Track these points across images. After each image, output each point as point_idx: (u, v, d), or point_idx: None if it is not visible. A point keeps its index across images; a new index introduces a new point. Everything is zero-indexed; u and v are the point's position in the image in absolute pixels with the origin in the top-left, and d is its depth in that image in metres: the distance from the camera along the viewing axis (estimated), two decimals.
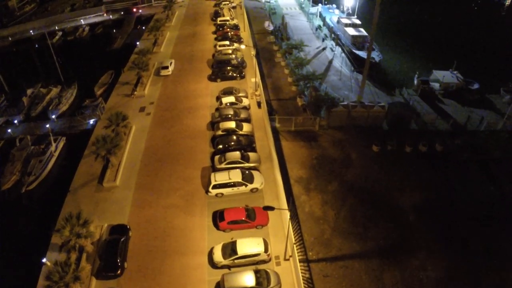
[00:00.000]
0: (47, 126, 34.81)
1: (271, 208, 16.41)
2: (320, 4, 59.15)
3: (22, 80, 45.20)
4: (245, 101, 31.68)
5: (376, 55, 41.92)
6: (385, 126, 31.67)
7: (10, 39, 61.01)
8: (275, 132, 30.37)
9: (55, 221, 22.40)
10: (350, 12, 51.62)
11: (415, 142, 29.34)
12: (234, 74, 35.78)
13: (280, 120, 30.60)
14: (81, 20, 62.58)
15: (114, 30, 62.05)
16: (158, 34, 45.92)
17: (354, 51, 43.11)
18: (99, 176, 26.37)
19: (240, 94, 32.48)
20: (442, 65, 41.03)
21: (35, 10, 78.24)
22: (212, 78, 36.13)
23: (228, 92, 32.55)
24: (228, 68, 36.51)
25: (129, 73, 37.97)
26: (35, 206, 28.86)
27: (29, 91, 41.64)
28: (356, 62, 41.99)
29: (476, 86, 37.94)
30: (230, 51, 40.10)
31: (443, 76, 37.48)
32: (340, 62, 42.28)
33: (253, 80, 33.10)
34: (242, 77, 36.14)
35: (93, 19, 62.76)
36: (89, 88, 42.28)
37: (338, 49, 45.14)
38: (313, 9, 56.32)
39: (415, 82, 38.78)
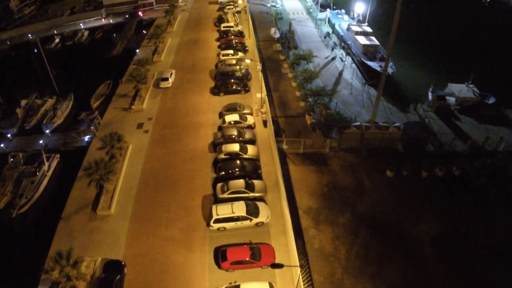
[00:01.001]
0: (41, 142, 33.33)
1: (280, 266, 14.50)
2: (328, 9, 56.50)
3: (17, 89, 43.49)
4: (250, 119, 29.50)
5: (388, 67, 39.73)
6: (400, 148, 29.58)
7: (8, 43, 59.81)
8: (282, 154, 28.23)
9: (48, 249, 20.78)
10: (361, 18, 48.93)
11: (432, 166, 27.36)
12: (238, 88, 33.59)
13: (288, 142, 28.56)
14: (80, 24, 60.83)
15: (115, 35, 60.10)
16: (158, 41, 43.86)
17: (365, 61, 40.55)
18: (93, 202, 24.49)
19: (244, 111, 30.34)
20: (457, 76, 38.71)
21: (35, 13, 76.83)
22: (215, 91, 34.01)
23: (231, 108, 30.46)
24: (232, 81, 34.28)
25: (127, 85, 35.90)
26: (27, 231, 27.24)
27: (23, 102, 39.84)
28: (368, 74, 39.50)
29: (492, 100, 35.57)
30: (234, 61, 37.82)
31: (460, 91, 35.17)
32: (350, 74, 39.93)
33: (258, 95, 31.02)
34: (247, 90, 33.93)
35: (92, 23, 60.97)
36: (86, 99, 40.28)
37: (348, 59, 42.68)
38: (321, 15, 53.66)
39: (429, 96, 36.44)
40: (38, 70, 45.82)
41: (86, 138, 32.55)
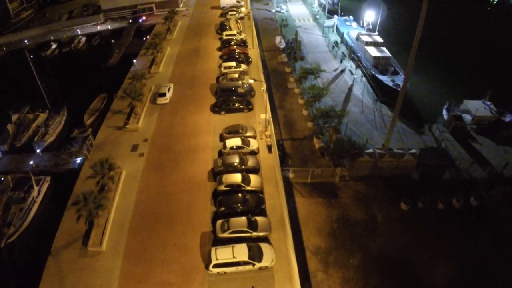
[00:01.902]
0: (31, 162, 31.50)
1: None
2: (336, 16, 53.77)
3: (10, 100, 42.02)
4: (253, 144, 27.24)
5: (401, 81, 36.71)
6: (416, 176, 27.37)
7: (4, 49, 58.18)
8: (289, 184, 26.09)
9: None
10: (371, 27, 46.28)
11: (449, 196, 25.35)
12: (241, 106, 31.31)
13: (295, 171, 26.38)
14: (78, 30, 58.82)
15: (113, 41, 58.09)
16: (156, 51, 41.37)
17: (376, 75, 38.03)
18: (84, 236, 22.66)
19: (247, 134, 28.11)
20: (473, 91, 36.41)
21: (33, 17, 74.96)
22: (216, 110, 31.80)
23: (233, 131, 28.23)
24: (234, 98, 32.09)
25: (122, 101, 33.70)
26: (15, 264, 25.47)
27: (14, 117, 37.86)
28: (379, 90, 37.03)
29: (509, 117, 33.31)
30: (236, 75, 35.61)
31: (477, 109, 32.90)
32: (361, 89, 37.47)
33: (262, 116, 28.87)
34: (250, 109, 31.61)
35: (90, 28, 58.88)
36: (79, 113, 38.10)
37: (358, 72, 40.17)
38: (329, 22, 51.02)
39: (444, 113, 34.27)
40: (32, 79, 44.30)
41: (78, 160, 30.88)
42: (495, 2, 74.55)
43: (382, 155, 26.07)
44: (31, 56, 58.61)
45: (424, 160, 27.21)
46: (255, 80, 26.77)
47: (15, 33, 60.77)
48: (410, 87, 37.38)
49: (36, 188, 28.67)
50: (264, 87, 27.62)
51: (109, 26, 57.86)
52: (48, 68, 53.39)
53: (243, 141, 27.03)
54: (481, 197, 25.74)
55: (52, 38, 58.04)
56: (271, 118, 28.59)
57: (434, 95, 38.43)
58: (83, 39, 57.10)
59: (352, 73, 40.24)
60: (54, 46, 56.52)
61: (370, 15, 45.45)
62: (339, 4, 56.46)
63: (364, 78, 39.77)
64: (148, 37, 50.21)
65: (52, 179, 30.40)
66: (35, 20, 71.08)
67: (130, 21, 59.01)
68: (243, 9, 53.62)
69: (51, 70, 52.02)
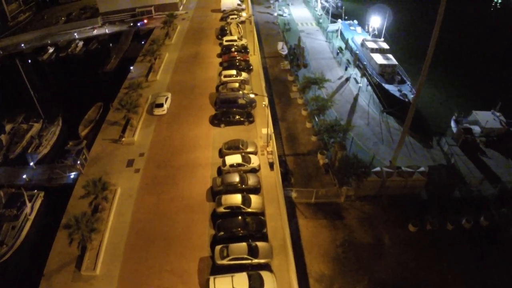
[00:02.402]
0: (24, 176, 30.45)
1: None
2: (340, 20, 52.15)
3: (4, 109, 41.21)
4: (254, 160, 26.04)
5: (408, 91, 35.38)
6: (424, 195, 26.10)
7: (1, 53, 57.21)
8: (291, 204, 24.79)
9: None
10: (376, 33, 44.68)
11: (458, 215, 24.23)
12: (242, 119, 30.14)
13: (298, 191, 25.08)
14: (75, 34, 57.64)
15: (111, 44, 56.96)
16: (154, 58, 39.97)
17: (382, 84, 36.57)
18: (77, 258, 21.66)
19: (248, 150, 26.93)
20: (482, 101, 35.09)
21: (31, 19, 73.69)
22: (215, 122, 30.65)
23: (233, 147, 27.02)
24: (234, 110, 30.90)
25: (118, 112, 32.42)
26: (8, 284, 24.58)
27: (8, 127, 36.76)
28: (386, 100, 35.52)
29: None
30: (237, 85, 34.32)
31: (486, 121, 31.50)
32: (367, 99, 36.02)
33: (264, 131, 27.69)
34: (251, 121, 30.44)
35: (88, 33, 57.27)
36: (74, 122, 36.86)
37: (363, 81, 38.74)
38: (333, 26, 49.52)
39: (453, 124, 32.95)
40: (28, 85, 43.37)
41: (72, 175, 29.86)
42: (499, 3, 72.98)
43: (390, 174, 24.82)
44: (29, 61, 58.55)
45: (434, 179, 26.05)
46: (256, 94, 25.53)
47: (12, 36, 59.80)
48: (419, 98, 36.12)
49: (29, 205, 27.65)
50: (266, 101, 26.51)
51: (107, 30, 56.52)
52: (44, 73, 52.33)
53: (243, 158, 25.84)
54: (491, 216, 24.64)
55: (49, 42, 56.87)
56: (273, 134, 27.38)
57: (441, 105, 36.93)
58: (80, 43, 55.83)
59: (357, 82, 38.80)
60: (51, 50, 55.36)
61: (376, 21, 43.90)
62: (343, 7, 54.64)
63: (369, 87, 38.31)
64: (147, 41, 48.89)
65: (45, 194, 29.34)
66: (33, 23, 69.88)
67: (131, 24, 57.52)
68: (244, 15, 52.22)
69: (47, 76, 51.02)
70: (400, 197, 25.57)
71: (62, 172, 30.58)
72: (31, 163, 32.20)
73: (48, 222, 26.64)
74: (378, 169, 25.04)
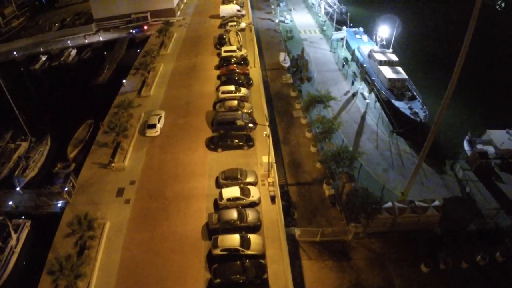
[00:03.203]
0: (10, 202, 28.55)
1: None
2: (344, 28, 49.70)
3: None
4: (254, 193, 23.70)
5: (419, 109, 33.16)
6: (438, 230, 23.98)
7: None
8: (294, 243, 22.79)
9: None
10: (384, 43, 41.94)
11: (473, 253, 22.37)
12: (240, 143, 27.87)
13: (302, 230, 22.99)
14: (68, 42, 55.39)
15: (105, 53, 55.07)
16: (147, 70, 37.55)
17: (392, 101, 34.34)
18: None
19: (247, 180, 24.64)
20: (496, 118, 32.86)
21: (25, 25, 71.16)
22: (212, 147, 28.34)
23: (231, 177, 24.75)
24: (232, 133, 28.64)
25: (107, 135, 30.08)
26: None
27: None
28: (395, 119, 33.29)
29: None
30: (235, 103, 31.89)
31: (502, 143, 29.33)
32: (375, 118, 33.67)
33: (265, 159, 25.33)
34: (250, 146, 28.04)
35: (81, 40, 55.08)
36: (64, 141, 34.93)
37: (372, 97, 36.34)
38: (337, 34, 46.99)
39: (465, 145, 30.90)
40: (12, 102, 41.46)
41: (59, 203, 28.05)
42: (502, 6, 70.19)
43: (402, 210, 22.66)
44: (21, 69, 56.54)
45: (449, 213, 23.98)
46: (256, 123, 23.40)
47: (4, 43, 57.88)
48: (429, 115, 33.14)
49: (14, 236, 25.81)
50: (267, 131, 24.17)
51: (101, 38, 54.40)
52: (34, 85, 50.15)
53: (242, 191, 23.56)
54: (508, 251, 22.75)
55: (42, 50, 54.85)
56: (274, 162, 25.26)
57: (454, 124, 34.28)
58: (73, 51, 53.60)
59: (364, 98, 36.42)
60: (43, 59, 53.25)
61: (384, 30, 41.15)
62: (348, 14, 52.09)
63: (377, 103, 35.99)
64: (142, 49, 46.82)
65: (32, 223, 27.47)
66: (27, 29, 67.81)
67: (131, 31, 55.20)
68: (243, 25, 49.45)
69: (37, 88, 48.83)
70: (412, 232, 23.49)
71: (49, 200, 28.82)
72: (18, 188, 30.45)
73: (35, 255, 24.79)
74: (389, 204, 22.91)
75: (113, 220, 24.34)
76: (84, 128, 36.00)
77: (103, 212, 25.35)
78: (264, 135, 22.60)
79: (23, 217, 27.69)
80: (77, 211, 25.74)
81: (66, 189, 27.42)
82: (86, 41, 54.50)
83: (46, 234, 24.42)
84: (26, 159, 33.62)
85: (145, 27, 55.21)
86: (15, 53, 55.08)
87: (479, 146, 30.89)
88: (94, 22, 58.26)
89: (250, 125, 28.75)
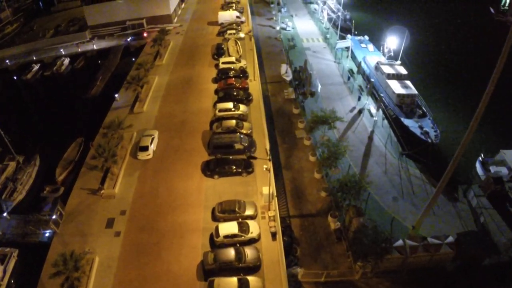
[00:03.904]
0: None
1: None
2: (349, 36, 47.39)
3: None
4: (253, 228, 21.95)
5: (429, 127, 31.20)
6: (450, 267, 22.16)
7: None
8: (296, 284, 20.91)
9: None
10: (392, 54, 39.86)
11: None
12: (239, 169, 26.05)
13: (305, 271, 21.22)
14: (61, 50, 53.58)
15: (99, 61, 53.22)
16: (141, 85, 35.52)
17: (401, 119, 32.39)
18: None
19: (246, 213, 22.86)
20: (510, 137, 30.85)
21: (19, 31, 69.43)
22: (208, 173, 26.56)
23: (228, 210, 22.96)
24: (230, 158, 26.78)
25: (96, 160, 28.25)
26: None
27: None
28: (405, 139, 31.19)
29: None
30: (234, 123, 30.01)
31: None
32: (383, 139, 31.59)
33: (265, 191, 23.47)
34: (249, 172, 26.22)
35: (74, 48, 53.34)
36: (53, 160, 33.29)
37: (379, 114, 34.17)
38: (342, 43, 44.73)
39: (478, 167, 29.05)
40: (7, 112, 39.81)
41: (47, 233, 26.48)
42: (507, 5, 67.99)
43: (414, 249, 20.87)
44: (14, 77, 54.95)
45: (463, 250, 22.08)
46: (255, 158, 21.43)
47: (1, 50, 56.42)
48: (441, 135, 31.05)
49: (1, 268, 24.28)
50: (268, 165, 21.90)
51: (94, 46, 52.64)
52: (25, 97, 48.33)
53: (240, 227, 21.76)
54: None
55: (34, 58, 53.13)
56: (274, 192, 23.35)
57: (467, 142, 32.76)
58: (67, 60, 51.79)
59: (372, 115, 34.33)
60: (36, 68, 51.50)
61: (392, 42, 38.86)
62: (353, 21, 49.66)
63: (385, 121, 33.87)
64: (138, 59, 44.57)
65: (19, 252, 25.84)
66: (21, 35, 66.23)
67: (130, 38, 53.27)
68: (242, 35, 47.39)
69: (27, 101, 46.96)
70: (424, 270, 21.69)
71: (36, 228, 27.25)
72: (5, 213, 28.98)
73: (24, 283, 23.45)
74: (400, 242, 21.08)
75: (102, 255, 22.71)
76: (74, 147, 34.24)
77: (92, 246, 23.84)
78: (265, 169, 20.91)
79: (9, 247, 26.34)
80: (65, 242, 24.45)
81: (53, 217, 26.00)
82: (79, 49, 52.90)
83: (34, 266, 22.98)
84: (13, 181, 31.98)
85: (145, 34, 53.25)
86: (7, 61, 53.66)
87: (492, 168, 28.99)
88: (88, 29, 56.81)
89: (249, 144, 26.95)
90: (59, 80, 49.23)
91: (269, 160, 19.99)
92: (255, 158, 20.16)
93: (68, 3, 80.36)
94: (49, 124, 39.71)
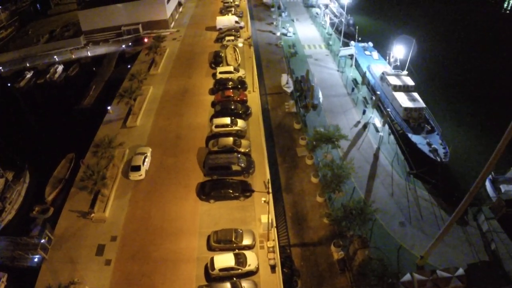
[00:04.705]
0: None
1: None
2: (352, 42, 45.85)
3: None
4: (251, 260, 20.67)
5: (438, 144, 29.70)
6: None
7: None
8: None
9: None
10: (398, 64, 38.11)
11: None
12: (236, 194, 24.65)
13: None
14: (55, 57, 52.27)
15: (94, 68, 52.06)
16: (133, 98, 34.04)
17: (408, 135, 30.88)
18: None
19: (244, 243, 21.62)
20: None
21: (13, 35, 67.80)
22: (203, 198, 25.19)
23: (224, 240, 21.72)
24: (227, 180, 25.37)
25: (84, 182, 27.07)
26: None
27: None
28: (412, 157, 29.66)
29: None
30: (231, 141, 28.60)
31: None
32: (390, 156, 30.12)
33: (264, 220, 22.11)
34: (247, 196, 24.78)
35: (68, 55, 51.93)
36: (43, 177, 31.99)
37: (385, 129, 32.62)
38: (345, 51, 43.18)
39: (488, 186, 27.68)
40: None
41: (36, 258, 25.33)
42: (509, 6, 65.97)
43: (422, 283, 19.40)
44: (8, 85, 53.91)
45: (474, 283, 20.70)
46: (253, 191, 20.07)
47: None
48: (450, 153, 29.34)
49: None
50: (266, 198, 20.59)
51: (89, 53, 51.32)
52: (16, 108, 46.26)
53: (237, 259, 20.51)
54: None
55: (28, 65, 51.86)
56: (274, 221, 22.10)
57: (475, 159, 29.85)
58: (60, 68, 50.48)
59: (377, 130, 32.78)
60: (29, 75, 50.22)
61: (399, 51, 37.00)
62: (356, 26, 48.08)
63: (392, 136, 32.30)
64: (131, 69, 43.23)
65: (9, 277, 24.55)
66: (16, 40, 64.96)
67: (130, 44, 51.82)
68: (240, 45, 45.18)
69: (17, 112, 45.09)
70: None
71: (25, 253, 26.21)
72: None
73: None
74: (408, 277, 19.62)
75: (92, 286, 21.73)
76: (64, 164, 32.89)
77: (81, 274, 22.67)
78: (263, 201, 19.67)
79: None
80: (53, 269, 23.43)
81: (42, 240, 24.97)
82: (73, 56, 51.68)
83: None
84: (2, 200, 30.84)
85: (146, 40, 51.38)
86: (1, 68, 52.67)
87: (503, 187, 27.51)
88: (83, 34, 55.70)
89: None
90: (52, 88, 47.87)
91: (268, 193, 18.79)
92: (252, 191, 18.88)
93: (65, 6, 79.45)
94: (40, 137, 38.32)
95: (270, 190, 19.60)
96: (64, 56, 52.85)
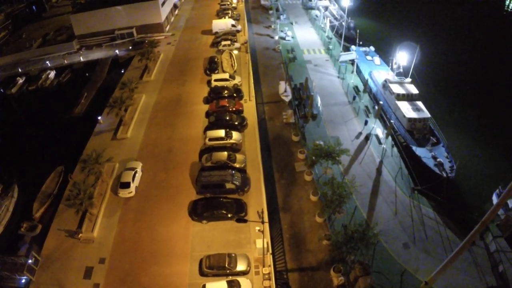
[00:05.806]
0: None
1: None
2: (353, 47, 44.48)
3: None
4: (245, 287, 19.59)
5: (443, 157, 28.53)
6: None
7: None
8: None
9: None
10: (401, 71, 36.87)
11: None
12: (229, 215, 23.49)
13: None
14: (47, 62, 51.23)
15: (87, 74, 50.99)
16: (124, 108, 33.31)
17: (412, 148, 29.62)
18: None
19: (238, 269, 20.49)
20: None
21: (7, 39, 66.76)
22: (195, 218, 24.10)
23: (217, 266, 20.60)
24: (220, 200, 24.18)
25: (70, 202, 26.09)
26: None
27: None
28: (416, 171, 28.35)
29: None
30: (225, 156, 27.39)
31: None
32: (393, 171, 28.74)
33: (259, 245, 21.07)
34: (242, 219, 21.76)
35: (60, 60, 50.97)
36: (32, 191, 30.72)
37: (388, 141, 31.39)
38: (345, 56, 41.68)
39: (494, 200, 26.11)
40: None
41: (23, 280, 24.41)
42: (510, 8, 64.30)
43: None
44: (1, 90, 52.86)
45: None
46: (246, 220, 18.49)
47: None
48: (454, 165, 28.22)
49: None
50: (261, 227, 19.38)
51: (81, 58, 50.16)
52: (5, 116, 45.29)
53: (230, 287, 19.78)
54: None
55: (20, 70, 50.78)
56: (270, 252, 20.87)
57: (482, 173, 29.23)
58: (52, 73, 49.48)
59: (380, 142, 31.44)
60: (21, 81, 49.26)
61: (402, 57, 35.82)
62: (358, 31, 46.27)
63: (395, 148, 30.99)
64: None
65: None
66: (9, 44, 64.00)
67: (130, 47, 50.58)
68: (235, 52, 44.38)
69: (7, 120, 43.85)
70: None
71: (11, 274, 25.34)
72: None
73: None
74: None
75: None
76: (53, 178, 31.68)
77: None
78: (257, 230, 18.51)
79: None
80: None
81: (29, 261, 24.04)
82: (66, 61, 50.58)
83: None
84: None
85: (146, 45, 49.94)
86: None
87: (510, 202, 26.24)
88: (75, 39, 54.50)
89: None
90: (44, 96, 46.78)
91: (262, 222, 17.66)
92: (245, 221, 17.74)
93: (60, 8, 78.35)
94: (29, 148, 37.20)
95: (266, 220, 18.35)
96: (57, 62, 51.85)
